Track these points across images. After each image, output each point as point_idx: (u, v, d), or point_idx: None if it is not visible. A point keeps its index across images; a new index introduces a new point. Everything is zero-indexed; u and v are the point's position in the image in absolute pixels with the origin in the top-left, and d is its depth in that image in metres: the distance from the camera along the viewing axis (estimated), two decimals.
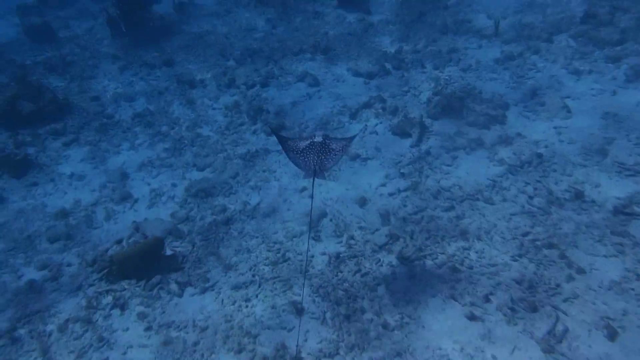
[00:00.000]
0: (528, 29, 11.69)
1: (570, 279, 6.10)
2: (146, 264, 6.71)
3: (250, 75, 11.50)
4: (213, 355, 5.74)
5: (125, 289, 6.60)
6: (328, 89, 10.85)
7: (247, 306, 6.27)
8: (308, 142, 5.47)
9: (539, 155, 8.01)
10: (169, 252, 7.08)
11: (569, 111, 8.94)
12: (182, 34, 13.79)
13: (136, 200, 8.27)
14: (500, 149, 8.41)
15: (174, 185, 8.52)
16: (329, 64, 11.93)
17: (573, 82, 9.84)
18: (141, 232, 7.42)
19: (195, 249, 7.19)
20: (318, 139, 5.46)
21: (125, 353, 5.84)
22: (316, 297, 6.28)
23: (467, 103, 9.32)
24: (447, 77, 10.65)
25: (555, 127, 8.69)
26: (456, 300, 6.01)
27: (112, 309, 6.39)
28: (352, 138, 5.60)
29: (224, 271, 6.81)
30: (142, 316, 6.26)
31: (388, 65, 11.41)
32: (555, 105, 9.04)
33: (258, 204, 7.94)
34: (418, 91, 10.40)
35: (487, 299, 5.98)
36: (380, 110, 9.86)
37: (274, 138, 9.43)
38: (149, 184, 8.62)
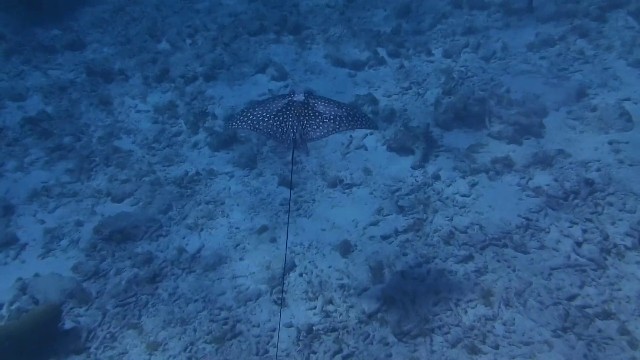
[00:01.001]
0: (573, 3, 11.73)
1: None
2: (35, 344, 6.43)
3: (190, 64, 11.43)
4: None
5: None
6: (299, 83, 10.81)
7: None
8: (285, 101, 5.56)
9: (590, 183, 7.95)
10: (68, 324, 6.83)
11: (629, 120, 8.92)
12: (94, 4, 13.64)
13: (23, 247, 8.03)
14: (535, 172, 8.38)
15: (78, 223, 8.30)
16: (301, 48, 11.94)
17: (635, 79, 9.85)
18: (29, 295, 7.17)
19: (106, 319, 6.94)
20: (298, 97, 5.54)
21: None
22: None
23: (491, 106, 9.30)
24: (462, 69, 10.69)
25: (610, 142, 8.67)
26: None
27: None
28: (362, 120, 5.57)
29: (147, 352, 6.57)
30: None
31: (382, 52, 11.43)
32: (611, 111, 9.02)
33: (198, 251, 7.77)
34: (423, 88, 10.40)
35: None
36: (371, 116, 9.80)
37: (222, 154, 9.39)
38: (42, 222, 8.38)
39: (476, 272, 7.10)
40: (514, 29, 11.63)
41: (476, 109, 9.31)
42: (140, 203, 8.58)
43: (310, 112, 5.46)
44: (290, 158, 5.22)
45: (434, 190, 8.36)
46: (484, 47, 11.18)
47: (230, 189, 8.74)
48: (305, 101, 5.52)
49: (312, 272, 7.32)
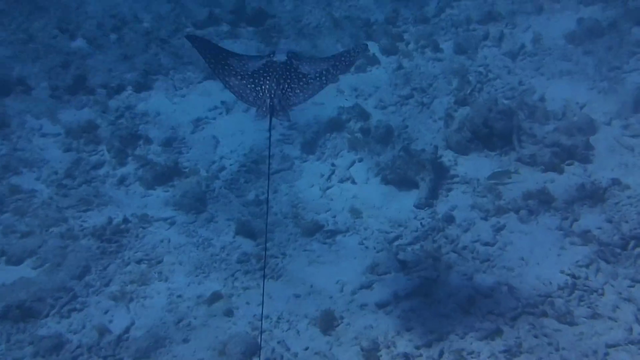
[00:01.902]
0: None
1: None
2: None
3: (115, 69, 11.34)
4: None
5: None
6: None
7: None
8: (263, 61, 5.84)
9: None
10: None
11: None
12: None
13: None
14: (582, 211, 8.30)
15: None
16: (265, 43, 11.88)
17: None
18: None
19: None
20: (279, 57, 5.85)
21: None
22: None
23: (520, 121, 9.25)
24: (480, 70, 10.67)
25: None
26: None
27: None
28: (348, 54, 5.97)
29: None
30: None
31: (373, 47, 11.38)
32: None
33: (127, 331, 7.59)
34: (429, 96, 10.42)
35: None
36: (360, 135, 9.79)
37: (159, 193, 9.33)
38: None
39: (506, 354, 6.95)
40: (548, 13, 11.63)
41: (500, 124, 9.21)
42: (47, 265, 8.36)
43: (292, 74, 5.73)
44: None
45: (446, 238, 8.25)
46: (509, 39, 11.18)
47: (170, 241, 8.61)
48: (288, 62, 5.80)
49: (282, 358, 7.13)
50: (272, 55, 5.96)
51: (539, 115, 9.34)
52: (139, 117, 10.58)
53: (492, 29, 11.39)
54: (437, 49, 11.26)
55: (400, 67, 11.02)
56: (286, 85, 5.69)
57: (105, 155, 9.95)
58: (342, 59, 5.99)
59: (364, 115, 10.04)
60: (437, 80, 10.65)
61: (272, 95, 5.60)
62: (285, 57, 5.89)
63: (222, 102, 10.78)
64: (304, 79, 5.76)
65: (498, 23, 11.55)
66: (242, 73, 5.79)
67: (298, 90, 5.72)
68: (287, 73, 5.77)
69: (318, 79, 5.78)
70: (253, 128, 10.26)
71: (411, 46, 11.38)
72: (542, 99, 9.72)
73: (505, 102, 9.63)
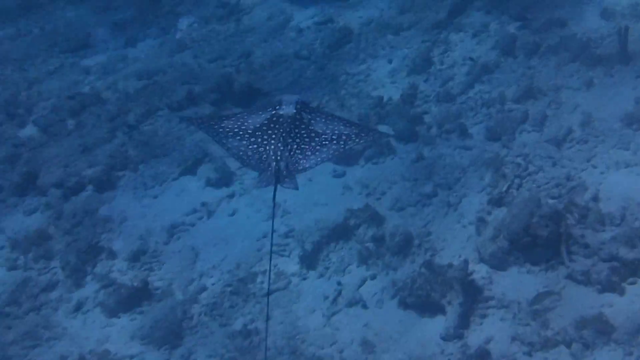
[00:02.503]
0: None
1: None
2: None
3: (72, 163, 11.28)
4: None
5: None
6: (251, 190, 10.77)
7: None
8: (268, 114, 5.88)
9: None
10: None
11: None
12: None
13: None
14: None
15: None
16: None
17: None
18: None
19: None
20: (287, 109, 5.87)
21: None
22: None
23: (569, 227, 9.06)
24: (519, 161, 10.44)
25: None
26: None
27: None
28: (370, 131, 6.20)
29: None
30: None
31: (387, 132, 11.11)
32: None
33: None
34: (456, 195, 10.25)
35: None
36: (372, 246, 9.63)
37: (124, 322, 9.20)
38: None
39: None
40: (600, 89, 11.49)
41: (546, 231, 8.99)
42: None
43: (302, 131, 5.76)
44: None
45: None
46: (553, 121, 11.02)
47: None
48: (297, 115, 5.82)
49: None
50: (278, 107, 5.97)
51: (593, 219, 9.13)
52: (100, 224, 10.46)
53: (532, 109, 11.23)
54: (465, 134, 11.11)
55: (420, 157, 10.85)
56: (295, 146, 5.72)
57: (58, 274, 9.87)
58: (364, 133, 6.03)
59: (376, 220, 9.83)
60: (465, 174, 10.47)
61: (279, 158, 5.63)
62: (294, 109, 5.92)
63: (203, 204, 10.66)
64: (317, 139, 5.79)
65: (539, 102, 11.38)
66: (241, 132, 5.85)
67: (309, 153, 5.73)
68: (297, 130, 5.80)
69: (336, 142, 5.81)
70: (241, 235, 10.17)
71: (433, 131, 11.22)
72: (595, 198, 9.49)
73: (551, 202, 9.44)
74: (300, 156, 5.69)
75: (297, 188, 5.63)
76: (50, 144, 11.79)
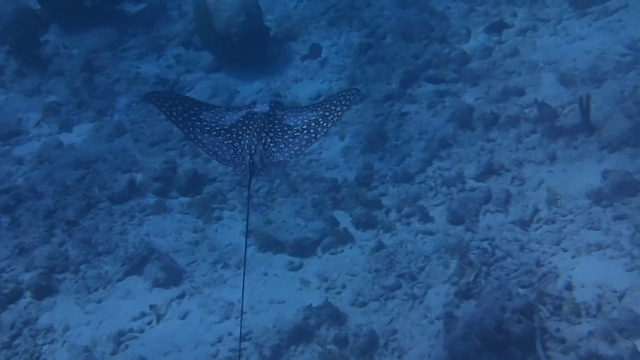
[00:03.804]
0: None
1: None
2: None
3: (8, 267, 10.77)
4: None
5: None
6: (202, 288, 10.38)
7: None
8: (243, 112, 6.22)
9: None
10: None
11: None
12: None
13: None
14: None
15: None
16: (203, 219, 11.53)
17: None
18: None
19: None
20: (262, 107, 6.20)
21: None
22: None
23: (543, 320, 8.84)
24: (485, 246, 10.20)
25: None
26: None
27: None
28: (339, 100, 6.20)
29: None
30: None
31: (343, 219, 11.05)
32: None
33: None
34: (421, 286, 9.92)
35: None
36: (335, 348, 9.25)
37: None
38: None
39: None
40: (564, 163, 11.27)
41: (519, 328, 8.69)
42: None
43: (276, 126, 6.08)
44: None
45: None
46: (518, 200, 10.81)
47: None
48: (271, 112, 6.18)
49: None
50: (253, 105, 6.17)
51: (568, 310, 8.92)
52: (41, 334, 9.96)
53: (495, 186, 10.99)
54: (426, 217, 10.84)
55: (380, 245, 10.52)
56: (268, 140, 5.92)
57: None
58: (333, 107, 6.09)
59: (338, 319, 9.47)
60: (429, 262, 10.17)
61: (253, 152, 5.79)
62: (268, 107, 6.13)
63: (151, 307, 10.19)
64: (289, 132, 5.95)
65: (501, 178, 11.16)
66: (217, 128, 6.02)
67: (282, 145, 5.92)
68: (270, 125, 6.00)
69: (306, 131, 5.96)
70: (193, 342, 9.70)
71: (392, 215, 10.89)
72: (568, 287, 9.23)
73: (522, 291, 9.18)
74: (274, 149, 5.88)
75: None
76: None
